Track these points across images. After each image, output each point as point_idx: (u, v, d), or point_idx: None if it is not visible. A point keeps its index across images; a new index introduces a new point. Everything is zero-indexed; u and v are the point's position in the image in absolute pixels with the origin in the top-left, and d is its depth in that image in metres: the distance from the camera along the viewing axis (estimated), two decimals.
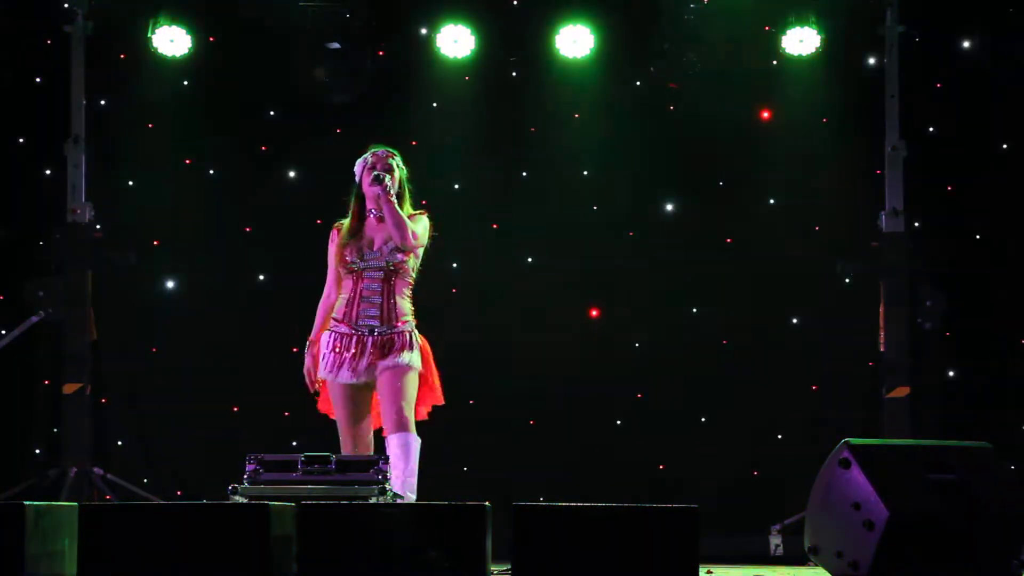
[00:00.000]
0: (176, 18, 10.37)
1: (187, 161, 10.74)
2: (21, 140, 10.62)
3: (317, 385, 7.27)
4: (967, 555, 6.32)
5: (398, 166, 7.32)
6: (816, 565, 6.55)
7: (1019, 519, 6.40)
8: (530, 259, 10.75)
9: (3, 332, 10.21)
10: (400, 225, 7.14)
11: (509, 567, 5.74)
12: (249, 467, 6.57)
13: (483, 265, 10.64)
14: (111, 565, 5.65)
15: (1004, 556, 6.37)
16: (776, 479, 10.28)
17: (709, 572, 7.90)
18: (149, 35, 10.34)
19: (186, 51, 10.42)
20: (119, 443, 10.59)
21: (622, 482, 10.20)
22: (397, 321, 7.20)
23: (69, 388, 10.27)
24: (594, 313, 10.76)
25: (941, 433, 9.65)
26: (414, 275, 7.32)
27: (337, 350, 7.17)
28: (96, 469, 10.15)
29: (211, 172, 10.75)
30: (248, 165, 10.67)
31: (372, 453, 7.12)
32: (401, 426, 7.06)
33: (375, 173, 7.22)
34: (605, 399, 10.58)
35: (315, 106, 10.48)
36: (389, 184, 7.17)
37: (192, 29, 10.40)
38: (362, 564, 5.62)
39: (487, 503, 5.75)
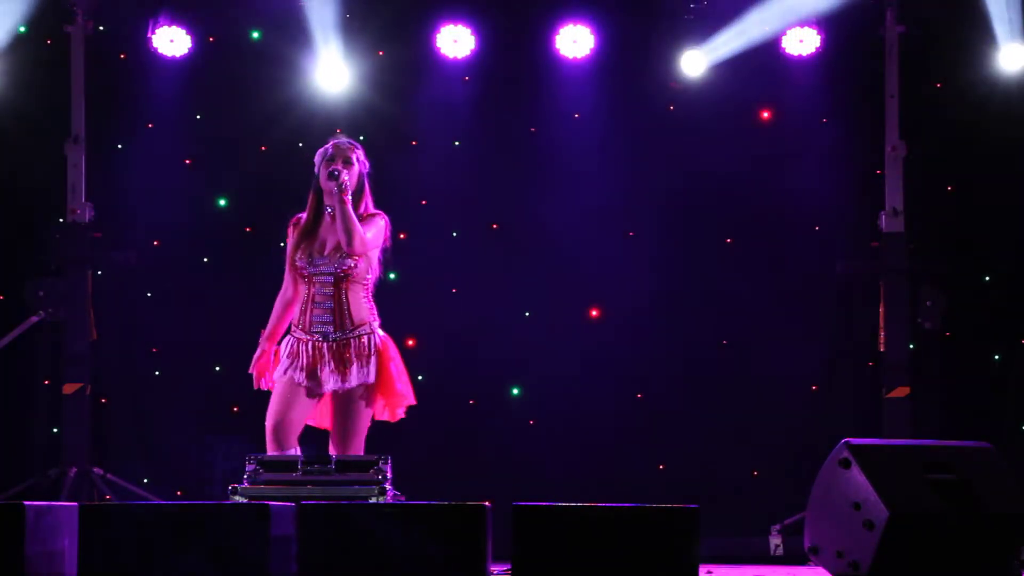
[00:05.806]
0: (176, 18, 10.37)
1: (187, 161, 10.74)
2: (21, 140, 10.61)
3: (262, 382, 6.98)
4: (967, 555, 6.32)
5: (358, 160, 6.94)
6: (816, 565, 6.55)
7: (1019, 519, 6.41)
8: (530, 259, 10.74)
9: (3, 332, 10.21)
10: (350, 229, 6.75)
11: (509, 567, 5.74)
12: (249, 467, 6.56)
13: (483, 265, 10.63)
14: (111, 565, 5.65)
15: (1004, 556, 6.37)
16: (776, 479, 10.27)
17: (709, 572, 7.90)
18: (149, 35, 10.35)
19: (186, 51, 10.42)
20: (119, 443, 10.58)
21: (622, 482, 10.20)
22: (353, 326, 6.86)
23: (69, 388, 10.27)
24: (594, 313, 10.75)
25: (941, 433, 9.65)
26: (370, 278, 6.94)
27: (293, 356, 6.87)
28: (96, 469, 10.15)
29: (211, 172, 10.74)
30: (248, 165, 10.66)
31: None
32: None
33: (331, 169, 6.85)
34: (605, 399, 10.57)
35: (315, 106, 10.47)
36: (346, 182, 6.80)
37: (192, 29, 10.41)
38: (362, 564, 5.63)
39: (487, 503, 5.75)
